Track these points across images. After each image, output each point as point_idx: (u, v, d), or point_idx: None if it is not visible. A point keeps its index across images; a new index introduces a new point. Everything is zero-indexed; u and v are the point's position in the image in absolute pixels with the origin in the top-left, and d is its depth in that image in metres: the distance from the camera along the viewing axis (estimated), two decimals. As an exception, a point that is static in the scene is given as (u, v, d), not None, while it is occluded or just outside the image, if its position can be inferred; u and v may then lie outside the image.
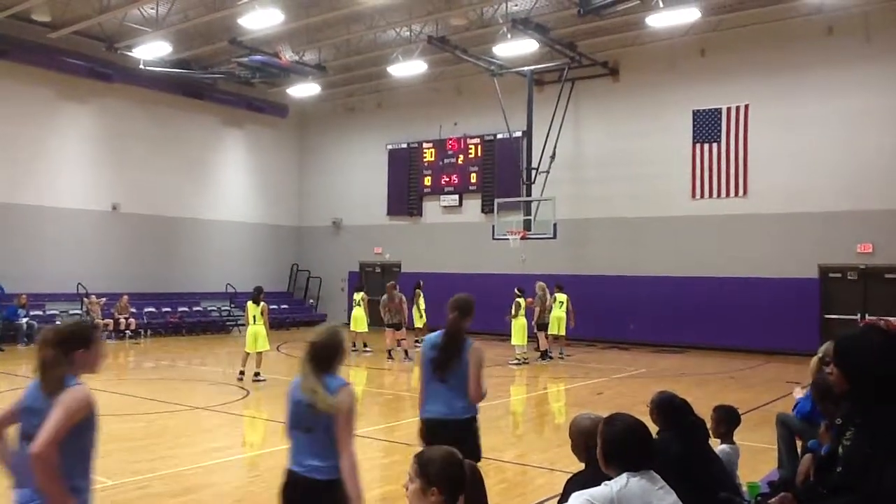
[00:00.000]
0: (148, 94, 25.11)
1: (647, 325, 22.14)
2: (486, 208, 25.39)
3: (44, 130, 22.98)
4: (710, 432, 5.50)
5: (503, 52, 21.69)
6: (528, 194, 23.54)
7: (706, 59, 21.87)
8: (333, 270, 29.61)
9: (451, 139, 26.93)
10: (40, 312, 21.63)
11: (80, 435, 3.59)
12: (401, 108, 27.95)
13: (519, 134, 24.35)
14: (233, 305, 26.20)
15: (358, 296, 20.65)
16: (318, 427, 4.13)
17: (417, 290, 21.61)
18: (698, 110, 21.83)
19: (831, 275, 20.31)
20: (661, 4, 18.48)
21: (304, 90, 26.04)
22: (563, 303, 19.27)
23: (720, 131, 21.55)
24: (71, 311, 22.47)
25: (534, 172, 23.58)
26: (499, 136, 25.45)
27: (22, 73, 22.17)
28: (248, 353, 14.90)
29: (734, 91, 21.25)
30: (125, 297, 23.03)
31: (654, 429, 4.56)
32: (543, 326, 18.94)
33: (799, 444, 6.62)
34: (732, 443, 5.82)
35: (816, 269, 20.35)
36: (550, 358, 18.90)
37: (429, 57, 22.86)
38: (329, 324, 4.54)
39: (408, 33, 22.28)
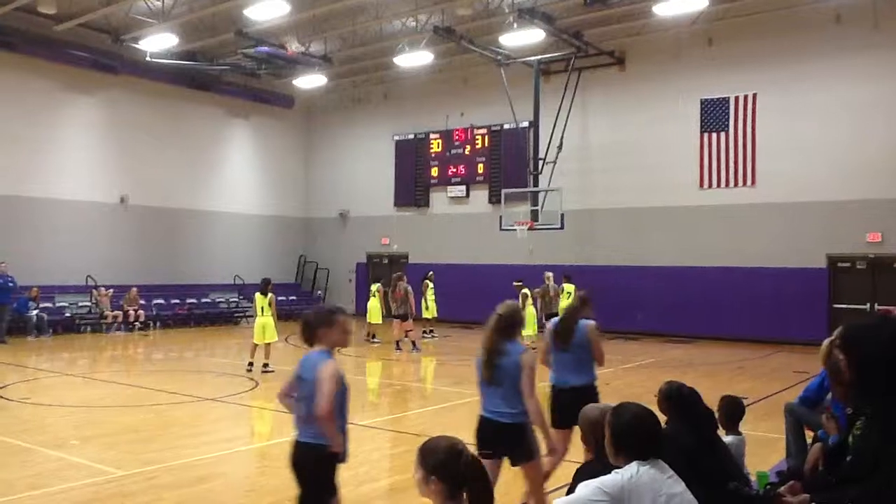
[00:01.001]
0: (154, 87, 25.13)
1: (655, 316, 22.10)
2: (493, 199, 25.35)
3: (51, 123, 23.04)
4: (718, 422, 5.49)
5: (509, 41, 21.61)
6: (535, 185, 23.50)
7: (713, 47, 21.75)
8: (341, 262, 29.66)
9: (457, 130, 26.88)
10: (50, 305, 21.72)
11: (339, 395, 4.75)
12: (407, 99, 27.90)
13: (526, 124, 24.28)
14: (241, 297, 26.27)
15: (374, 287, 20.74)
16: (505, 382, 5.21)
17: (426, 281, 21.62)
18: (706, 99, 21.73)
19: (840, 264, 20.23)
20: (668, -7, 18.40)
21: (310, 81, 26.01)
22: (570, 293, 19.24)
23: (728, 120, 21.45)
24: (80, 304, 22.58)
25: (541, 163, 23.53)
26: (505, 126, 25.39)
27: (28, 66, 22.21)
28: (256, 345, 14.93)
29: (742, 80, 21.14)
30: (134, 289, 23.11)
31: (662, 418, 4.55)
32: (552, 317, 18.88)
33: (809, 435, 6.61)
34: (738, 433, 5.82)
35: (825, 259, 20.28)
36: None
37: (435, 47, 22.80)
38: (511, 301, 5.59)
39: (414, 24, 22.23)
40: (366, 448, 8.97)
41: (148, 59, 22.88)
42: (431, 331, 21.62)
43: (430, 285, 21.85)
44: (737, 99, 21.30)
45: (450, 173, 27.13)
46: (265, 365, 14.82)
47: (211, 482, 7.46)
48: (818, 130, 20.11)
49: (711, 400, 5.35)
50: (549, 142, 23.49)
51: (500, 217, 23.16)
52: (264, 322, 14.88)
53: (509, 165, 25.39)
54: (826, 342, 6.63)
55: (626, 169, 22.93)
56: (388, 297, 19.74)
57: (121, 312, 22.59)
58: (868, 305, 19.36)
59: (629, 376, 14.93)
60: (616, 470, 3.28)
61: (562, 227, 21.67)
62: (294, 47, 22.92)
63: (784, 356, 18.04)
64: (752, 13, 20.57)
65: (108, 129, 24.48)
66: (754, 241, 20.94)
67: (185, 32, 22.28)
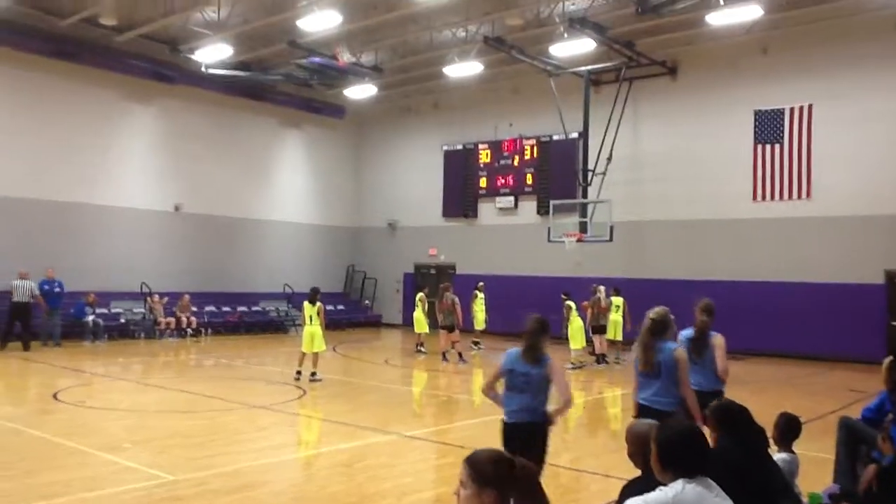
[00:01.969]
0: (209, 96, 25.62)
1: (706, 329, 21.68)
2: (542, 210, 25.24)
3: (109, 132, 23.63)
4: (771, 440, 5.38)
5: (560, 52, 21.52)
6: (584, 196, 23.33)
7: (768, 57, 21.40)
8: (389, 272, 29.80)
9: (506, 140, 26.86)
10: (105, 311, 22.22)
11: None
12: (456, 109, 27.99)
13: (575, 135, 24.15)
14: (290, 306, 26.54)
15: (417, 296, 20.76)
16: (662, 374, 6.15)
17: (476, 292, 21.58)
18: (760, 110, 21.36)
19: (899, 279, 19.69)
20: (721, 2, 18.12)
21: (360, 91, 26.25)
22: (619, 306, 19.05)
23: (783, 132, 21.05)
24: (135, 310, 23.06)
25: (590, 174, 23.36)
26: (555, 137, 25.29)
27: (89, 76, 22.84)
28: (304, 353, 15.05)
29: (797, 90, 20.74)
30: (186, 296, 23.52)
31: (709, 436, 4.48)
32: (600, 329, 18.75)
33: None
34: (792, 452, 5.68)
35: (883, 275, 19.73)
36: (606, 363, 18.70)
37: (485, 57, 22.82)
38: (661, 307, 6.51)
39: (464, 34, 22.30)
40: (410, 459, 8.99)
41: (203, 69, 23.34)
42: (478, 342, 21.58)
43: (481, 296, 21.82)
44: (792, 110, 20.89)
45: (498, 184, 27.10)
46: (313, 374, 14.94)
47: (258, 489, 7.54)
48: (876, 142, 19.62)
49: (762, 417, 5.24)
50: (599, 153, 23.31)
51: (549, 228, 23.03)
52: (313, 331, 15.00)
53: (558, 176, 25.27)
54: (887, 361, 6.46)
55: (678, 181, 22.65)
56: (435, 307, 19.75)
57: (173, 319, 23.00)
58: (928, 323, 18.81)
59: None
60: (661, 487, 3.24)
61: (611, 239, 21.45)
62: (345, 58, 23.17)
63: (839, 374, 17.60)
64: (809, 22, 20.18)
65: (164, 138, 25.03)
66: (809, 255, 20.49)
67: (239, 43, 22.68)
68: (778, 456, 5.48)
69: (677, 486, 3.20)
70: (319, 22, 19.62)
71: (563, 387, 6.00)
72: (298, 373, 15.06)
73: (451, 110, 28.20)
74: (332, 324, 22.80)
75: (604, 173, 23.11)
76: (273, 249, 27.96)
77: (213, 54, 22.54)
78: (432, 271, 28.67)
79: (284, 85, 26.78)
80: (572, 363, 18.06)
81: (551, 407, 6.00)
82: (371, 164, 30.90)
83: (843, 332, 19.56)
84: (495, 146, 27.14)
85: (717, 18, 18.85)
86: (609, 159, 23.13)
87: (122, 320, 22.59)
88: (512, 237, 26.23)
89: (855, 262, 19.84)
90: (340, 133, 30.70)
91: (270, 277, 27.33)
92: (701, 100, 22.48)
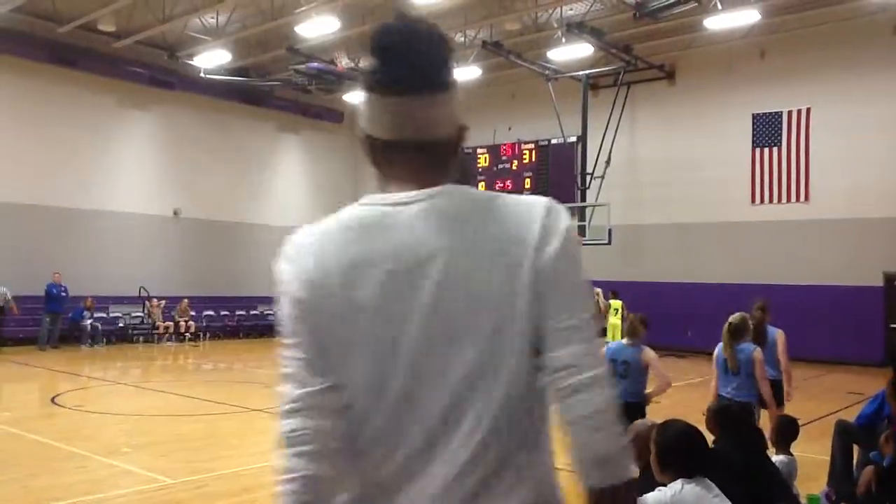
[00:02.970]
0: (208, 102, 25.62)
1: (705, 333, 21.61)
2: (541, 214, 25.19)
3: (108, 137, 23.63)
4: (768, 442, 5.39)
5: (558, 56, 21.59)
6: (583, 200, 23.36)
7: (766, 61, 21.46)
8: (388, 275, 29.74)
9: (505, 144, 26.86)
10: (104, 315, 22.20)
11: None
12: (455, 114, 27.94)
13: (573, 139, 24.17)
14: (288, 309, 26.44)
15: None
16: (741, 372, 6.88)
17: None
18: (758, 114, 21.42)
19: (897, 282, 19.73)
20: (719, 6, 18.21)
21: (359, 97, 26.12)
22: (618, 310, 19.07)
23: (781, 135, 21.11)
24: (133, 314, 23.05)
25: (588, 178, 23.40)
26: (553, 141, 25.29)
27: (87, 82, 22.83)
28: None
29: (795, 94, 20.80)
30: (185, 300, 23.52)
31: (709, 437, 4.49)
32: (599, 333, 18.74)
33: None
34: (790, 454, 5.70)
35: (881, 277, 19.77)
36: (605, 364, 18.67)
37: (483, 62, 22.88)
38: (740, 313, 7.17)
39: (462, 38, 22.34)
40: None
41: (202, 75, 23.35)
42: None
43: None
44: (790, 113, 20.95)
45: (497, 188, 27.10)
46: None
47: (258, 492, 7.53)
48: (874, 145, 19.67)
49: (762, 419, 5.26)
50: (598, 156, 23.35)
51: (548, 232, 22.99)
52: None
53: (556, 180, 25.24)
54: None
55: (676, 184, 22.69)
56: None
57: (172, 323, 23.00)
58: (927, 325, 18.83)
59: (678, 394, 14.65)
60: (659, 488, 3.25)
61: (609, 243, 21.49)
62: (344, 63, 23.20)
63: (837, 377, 17.59)
64: (806, 26, 20.25)
65: (163, 144, 25.04)
66: (807, 258, 20.51)
67: (238, 49, 22.71)
68: (776, 458, 5.50)
69: (676, 487, 3.21)
70: (318, 27, 19.66)
71: (660, 372, 7.11)
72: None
73: (450, 114, 28.15)
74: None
75: (602, 177, 23.14)
76: (271, 253, 26.96)
77: (211, 60, 22.57)
78: (431, 275, 28.58)
79: (283, 90, 26.79)
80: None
81: (649, 389, 7.09)
82: (370, 169, 30.65)
83: (841, 335, 19.57)
84: (494, 150, 27.13)
85: (714, 23, 18.94)
86: (607, 163, 23.17)
87: (121, 324, 22.57)
88: (510, 241, 26.16)
89: (853, 265, 19.86)
90: (339, 138, 30.65)
91: (268, 281, 26.64)
92: (699, 103, 22.52)
